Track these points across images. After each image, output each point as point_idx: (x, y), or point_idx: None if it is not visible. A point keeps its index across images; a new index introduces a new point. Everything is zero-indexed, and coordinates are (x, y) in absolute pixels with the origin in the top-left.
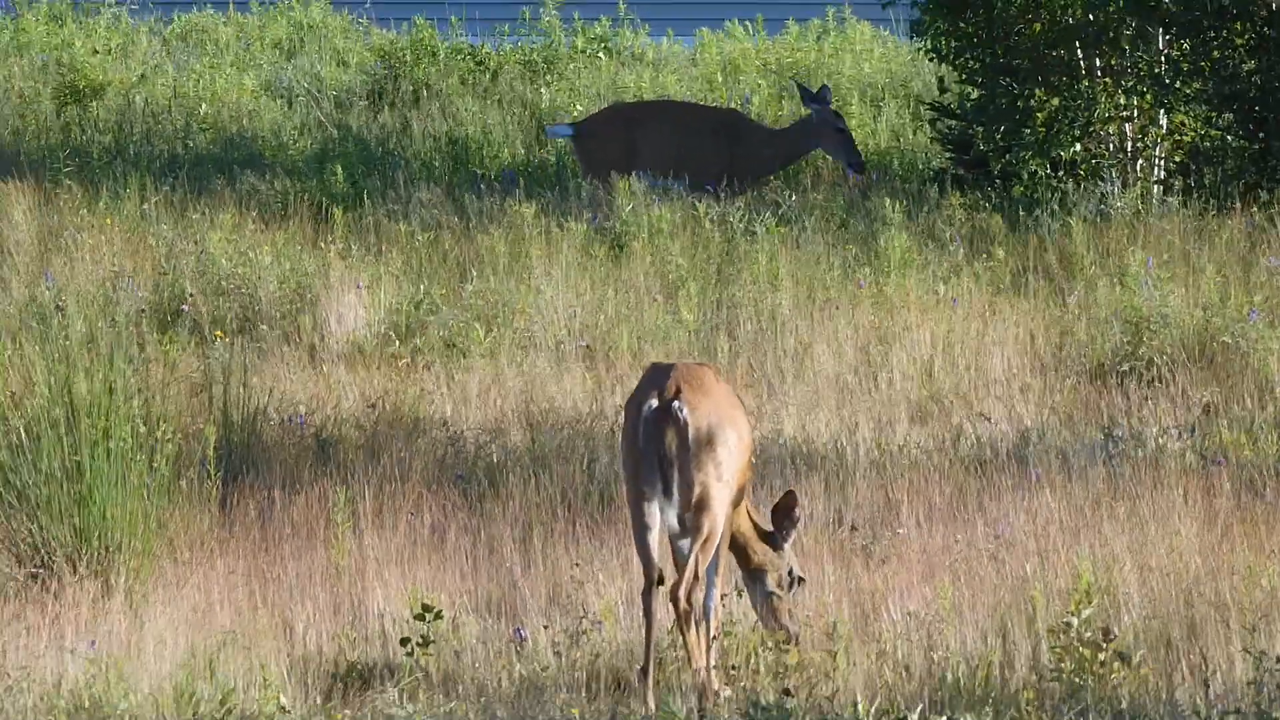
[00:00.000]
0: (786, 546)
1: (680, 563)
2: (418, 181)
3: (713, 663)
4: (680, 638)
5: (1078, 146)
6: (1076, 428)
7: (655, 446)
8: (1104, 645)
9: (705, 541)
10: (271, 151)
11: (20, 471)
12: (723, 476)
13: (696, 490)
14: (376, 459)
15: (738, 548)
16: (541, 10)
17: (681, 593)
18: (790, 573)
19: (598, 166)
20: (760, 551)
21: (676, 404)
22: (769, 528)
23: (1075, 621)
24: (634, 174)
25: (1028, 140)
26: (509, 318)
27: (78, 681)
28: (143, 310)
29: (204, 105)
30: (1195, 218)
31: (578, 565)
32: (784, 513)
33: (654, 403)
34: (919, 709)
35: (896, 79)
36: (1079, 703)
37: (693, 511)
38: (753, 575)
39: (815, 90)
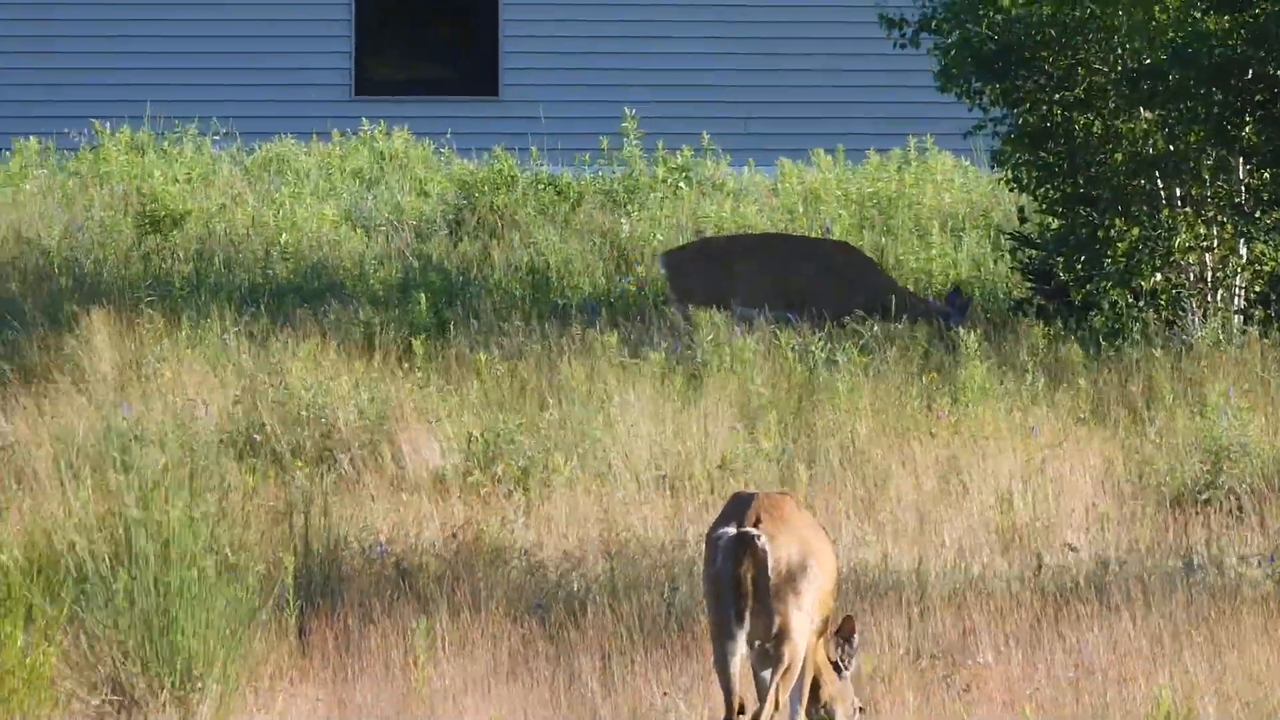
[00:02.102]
0: (848, 674)
1: (762, 693)
2: (502, 311)
3: None
4: None
5: (1158, 276)
6: (1156, 556)
7: (732, 576)
8: None
9: (786, 671)
10: (352, 281)
11: (101, 600)
12: (803, 606)
13: (777, 620)
14: (456, 588)
15: (813, 680)
16: (624, 140)
17: None
18: (853, 703)
19: (695, 296)
20: (831, 683)
21: (754, 533)
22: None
23: None
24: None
25: (1108, 270)
26: (588, 447)
27: None
28: (221, 439)
29: (284, 234)
30: (1275, 347)
31: (661, 694)
32: (845, 639)
33: (730, 531)
34: None
35: (977, 208)
36: None
37: (773, 642)
38: (825, 709)
39: (962, 299)
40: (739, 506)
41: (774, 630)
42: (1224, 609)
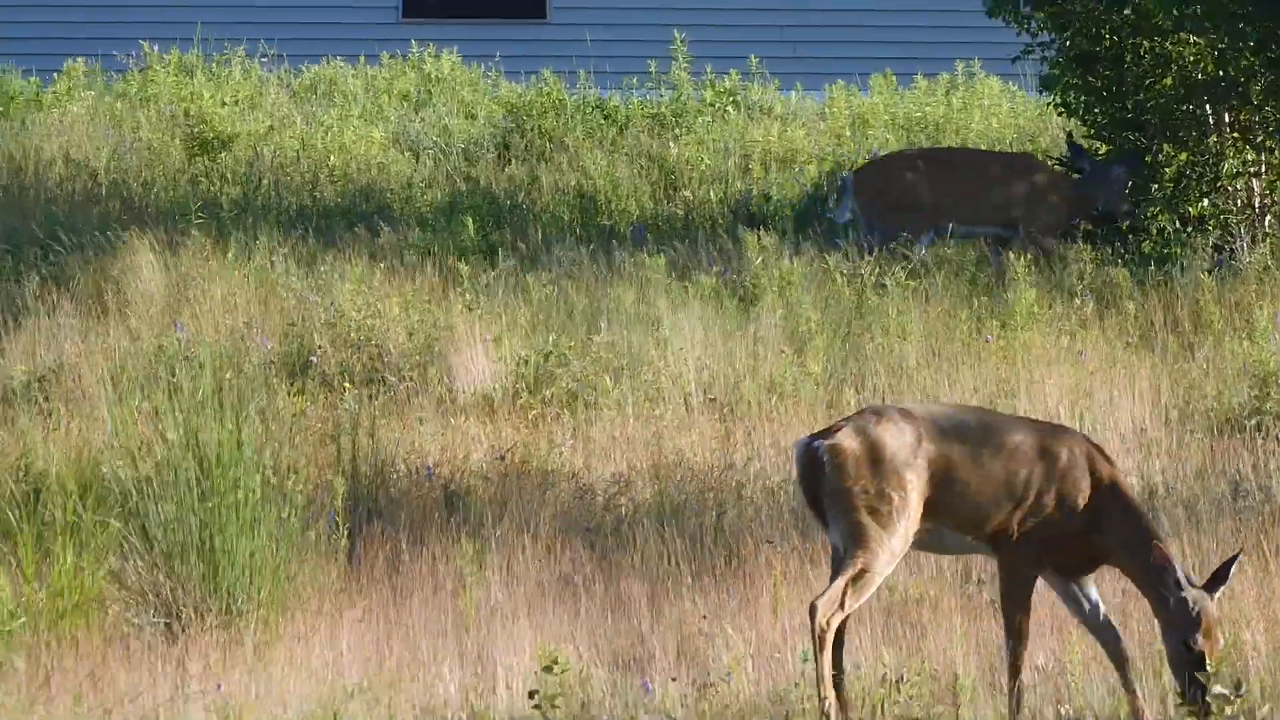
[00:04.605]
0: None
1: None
2: (550, 234)
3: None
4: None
5: (1206, 201)
6: (1204, 481)
7: (803, 482)
8: (1232, 699)
9: (854, 576)
10: (400, 204)
11: (150, 521)
12: (880, 516)
13: (844, 526)
14: (505, 511)
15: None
16: (671, 64)
17: (819, 610)
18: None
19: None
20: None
21: (816, 444)
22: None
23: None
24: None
25: (1156, 196)
26: (637, 370)
27: None
28: (271, 362)
29: (332, 157)
30: None
31: (705, 618)
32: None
33: (804, 439)
34: None
35: (1025, 134)
36: None
37: (846, 545)
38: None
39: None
40: (844, 419)
41: (844, 535)
42: (1272, 534)
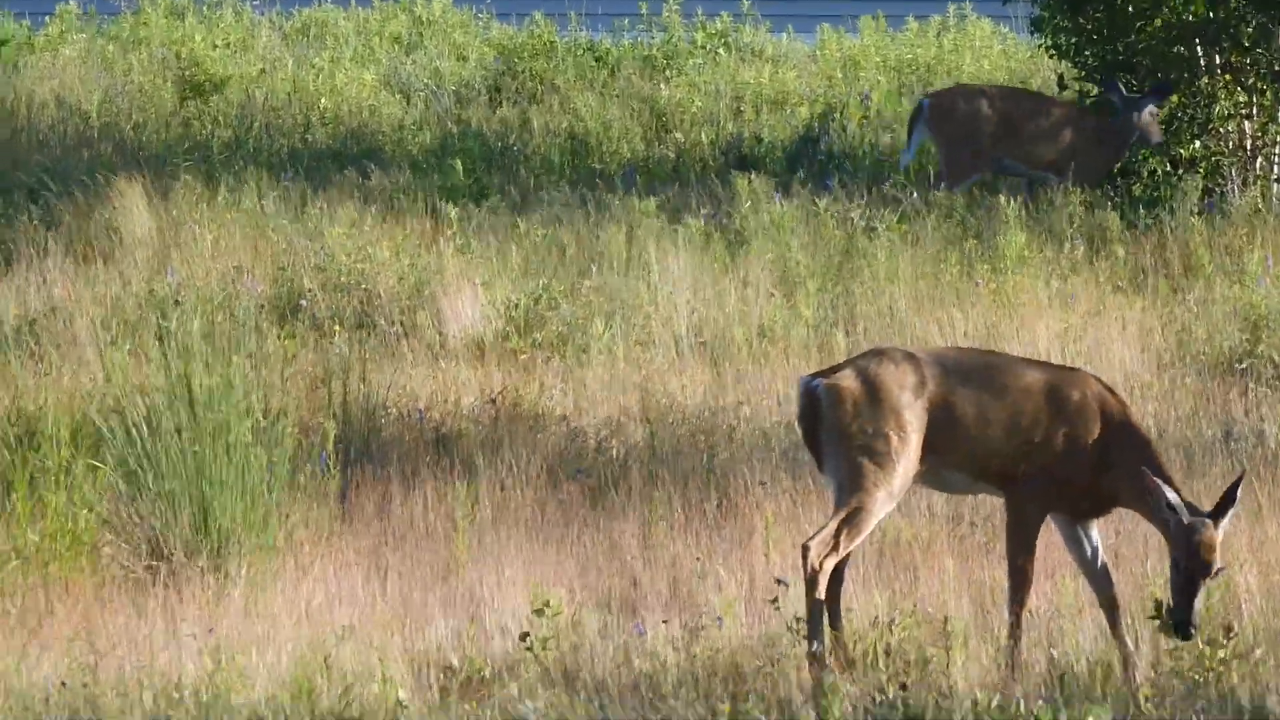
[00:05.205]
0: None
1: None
2: (539, 177)
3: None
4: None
5: (1197, 144)
6: (1195, 425)
7: (802, 420)
8: (1224, 642)
9: (846, 516)
10: (391, 146)
11: (139, 464)
12: (878, 457)
13: (841, 466)
14: (496, 454)
15: None
16: (662, 6)
17: (812, 550)
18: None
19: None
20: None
21: (815, 382)
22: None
23: None
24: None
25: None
26: (628, 314)
27: (196, 675)
28: (261, 305)
29: (323, 100)
30: None
31: (698, 560)
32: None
33: (805, 377)
34: (1038, 705)
35: (1016, 75)
36: (1198, 700)
37: (843, 485)
38: None
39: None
40: (849, 360)
41: (839, 477)
42: (1264, 477)
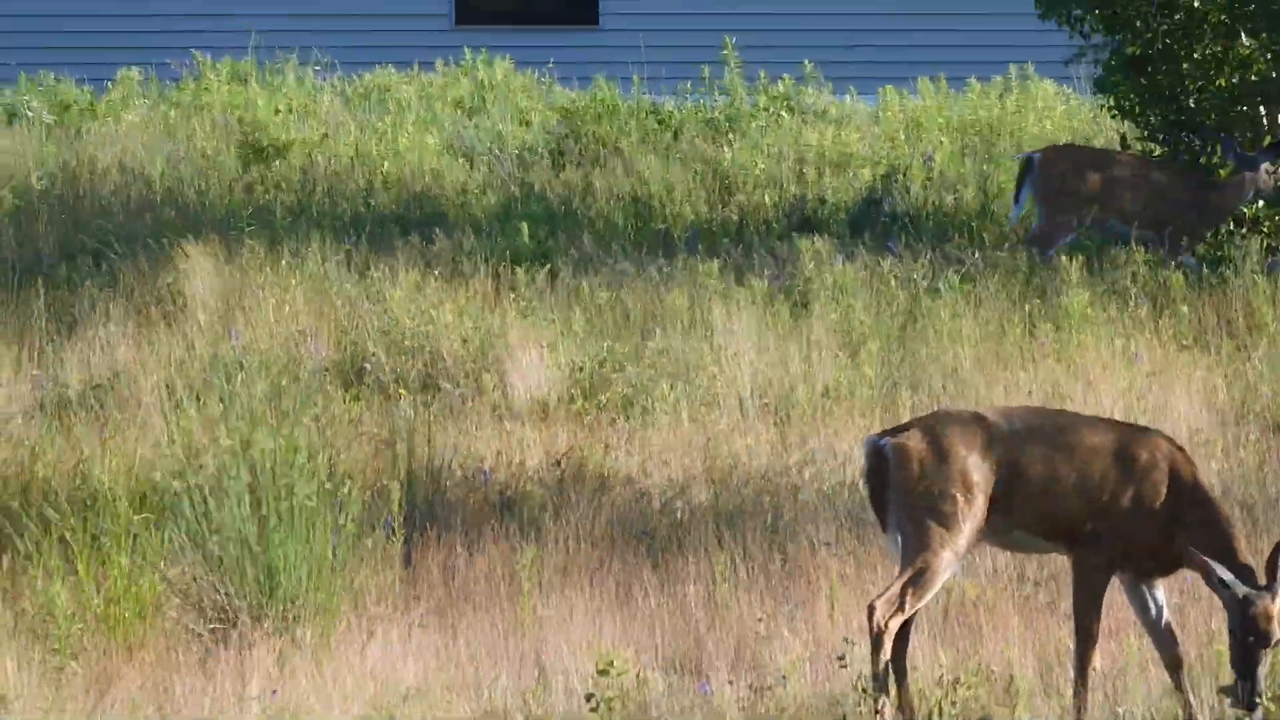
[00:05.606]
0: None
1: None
2: (602, 240)
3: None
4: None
5: (1260, 203)
6: (1261, 481)
7: (869, 480)
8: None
9: (911, 577)
10: (454, 210)
11: (204, 528)
12: (943, 517)
13: (905, 525)
14: (561, 515)
15: None
16: (725, 69)
17: (878, 610)
18: None
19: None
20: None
21: (883, 442)
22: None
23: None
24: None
25: None
26: (691, 375)
27: None
28: (326, 368)
29: (386, 164)
30: None
31: (761, 621)
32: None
33: (871, 436)
34: None
35: (1079, 136)
36: None
37: (908, 545)
38: None
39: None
40: (915, 420)
41: (902, 535)
42: None
